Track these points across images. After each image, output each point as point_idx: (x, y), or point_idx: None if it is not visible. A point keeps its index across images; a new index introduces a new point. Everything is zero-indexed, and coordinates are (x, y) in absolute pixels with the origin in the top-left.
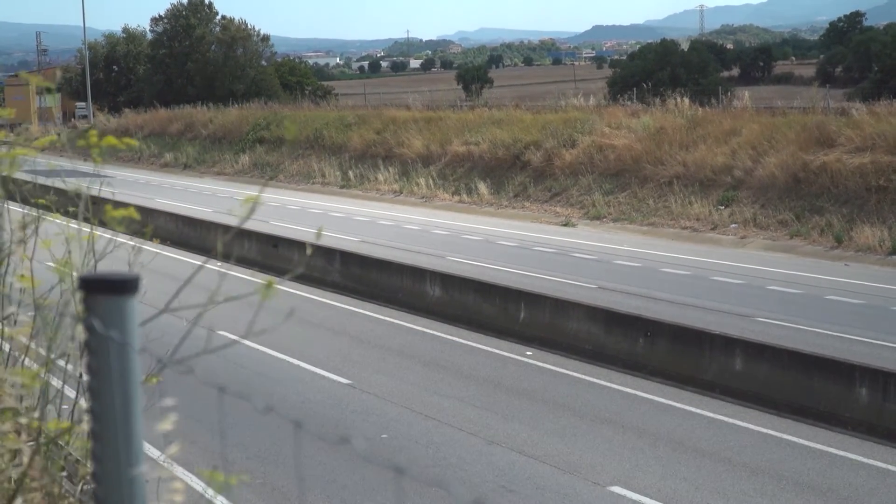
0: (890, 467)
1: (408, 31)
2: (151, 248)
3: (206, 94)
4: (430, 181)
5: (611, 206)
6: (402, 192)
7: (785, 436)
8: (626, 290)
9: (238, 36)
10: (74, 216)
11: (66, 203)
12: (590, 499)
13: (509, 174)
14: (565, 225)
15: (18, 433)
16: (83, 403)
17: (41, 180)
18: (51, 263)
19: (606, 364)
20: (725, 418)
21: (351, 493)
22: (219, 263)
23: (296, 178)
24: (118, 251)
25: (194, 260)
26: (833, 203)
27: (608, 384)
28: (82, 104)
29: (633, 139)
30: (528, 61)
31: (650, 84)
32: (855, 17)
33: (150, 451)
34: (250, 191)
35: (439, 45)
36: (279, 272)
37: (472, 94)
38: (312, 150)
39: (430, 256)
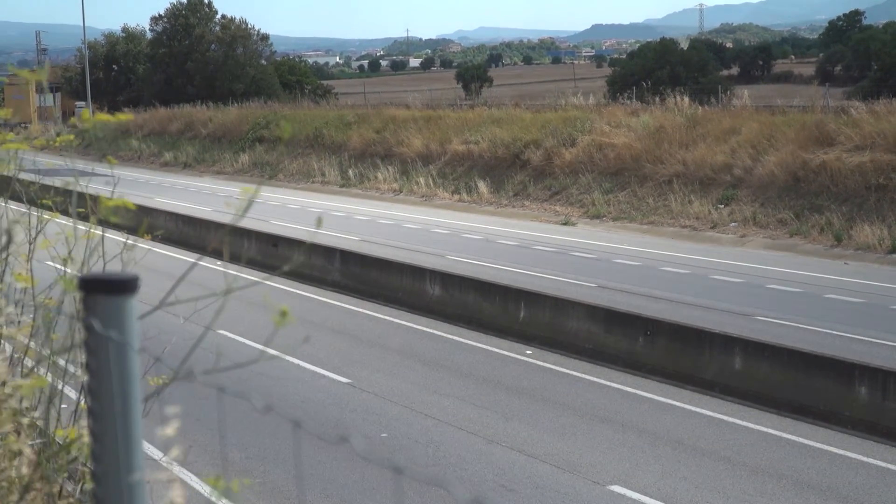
0: (890, 466)
1: (407, 30)
2: (146, 245)
3: (205, 93)
4: (430, 180)
5: (610, 204)
6: (401, 191)
7: (785, 434)
8: (625, 288)
9: (238, 35)
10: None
11: (67, 202)
12: (590, 498)
13: (509, 173)
14: (565, 224)
15: (18, 433)
16: (82, 404)
17: (43, 180)
18: (50, 262)
19: (606, 363)
20: (725, 417)
21: (350, 493)
22: (219, 263)
23: (295, 178)
24: (117, 250)
25: (193, 259)
26: (832, 202)
27: (608, 383)
28: (82, 103)
29: (632, 138)
30: (527, 60)
31: (650, 83)
32: (854, 16)
33: (150, 451)
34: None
35: (439, 44)
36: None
37: (471, 93)
38: (312, 150)
39: (429, 255)
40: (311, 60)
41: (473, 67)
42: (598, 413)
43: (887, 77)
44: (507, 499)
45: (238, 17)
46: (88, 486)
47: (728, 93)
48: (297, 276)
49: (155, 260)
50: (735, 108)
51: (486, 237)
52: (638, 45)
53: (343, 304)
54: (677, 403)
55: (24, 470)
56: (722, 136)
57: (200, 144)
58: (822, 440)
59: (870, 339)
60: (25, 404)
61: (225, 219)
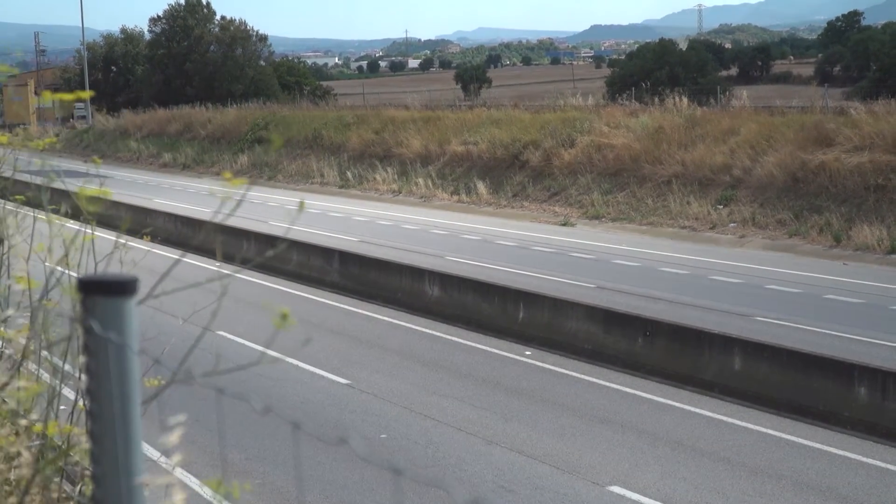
0: (889, 466)
1: (406, 31)
2: (145, 246)
3: (204, 94)
4: (429, 181)
5: (609, 205)
6: (400, 192)
7: (784, 435)
8: (624, 289)
9: (237, 36)
10: (65, 215)
11: (61, 202)
12: (589, 498)
13: (508, 174)
14: (564, 224)
15: (17, 434)
16: (81, 404)
17: (39, 181)
18: (48, 264)
19: (605, 363)
20: (724, 418)
21: (350, 493)
22: (218, 264)
23: (294, 178)
24: (113, 250)
25: (193, 260)
26: (832, 202)
27: (607, 384)
28: (81, 104)
29: (631, 139)
30: (526, 61)
31: (649, 83)
32: (853, 17)
33: (149, 451)
34: (250, 192)
35: (437, 45)
36: (277, 272)
37: (470, 94)
38: (311, 150)
39: (428, 256)
40: (309, 61)
41: (472, 68)
42: (598, 414)
43: (886, 77)
44: (506, 500)
45: (237, 19)
46: (87, 487)
47: (727, 93)
48: (296, 276)
49: (154, 261)
50: (734, 109)
51: (485, 238)
52: (637, 45)
53: (342, 305)
54: (677, 404)
55: (24, 472)
56: (721, 136)
57: (199, 145)
58: (821, 441)
59: (869, 340)
60: (25, 406)
61: (224, 220)
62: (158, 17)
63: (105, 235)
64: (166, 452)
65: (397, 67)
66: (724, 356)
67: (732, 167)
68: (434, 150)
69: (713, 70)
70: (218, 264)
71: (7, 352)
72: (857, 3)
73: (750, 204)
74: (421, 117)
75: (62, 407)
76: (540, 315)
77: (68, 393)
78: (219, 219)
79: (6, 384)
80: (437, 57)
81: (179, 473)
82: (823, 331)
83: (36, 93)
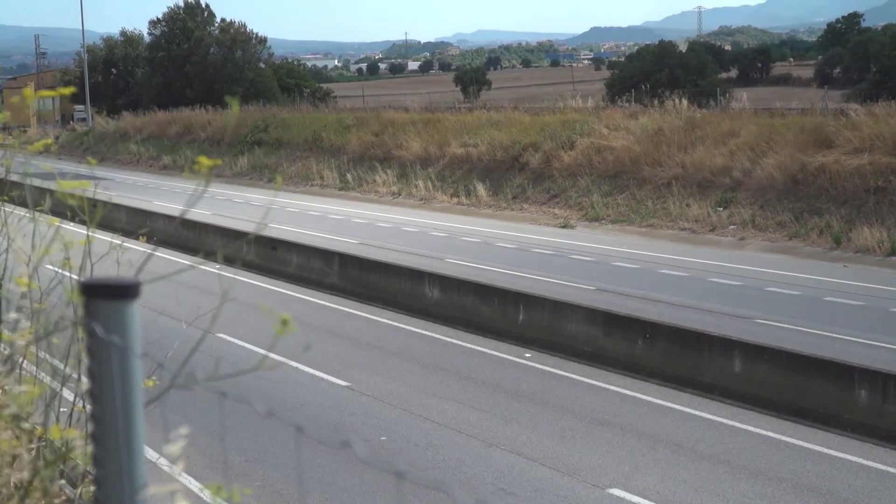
0: (890, 469)
1: (406, 34)
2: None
3: (204, 96)
4: (429, 183)
5: (609, 207)
6: (400, 194)
7: (784, 438)
8: (624, 291)
9: (237, 39)
10: (63, 216)
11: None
12: (589, 501)
13: (508, 176)
14: (564, 226)
15: (18, 438)
16: (80, 406)
17: (38, 184)
18: (50, 266)
19: (605, 366)
20: (725, 420)
21: (350, 496)
22: (217, 266)
23: (294, 181)
24: (116, 254)
25: (190, 262)
26: (832, 204)
27: (607, 386)
28: (81, 107)
29: (631, 141)
30: (526, 63)
31: (648, 85)
32: (853, 18)
33: (150, 453)
34: (249, 193)
35: (437, 47)
36: (277, 274)
37: (470, 96)
38: (311, 153)
39: (428, 258)
40: (309, 64)
41: (472, 70)
42: (598, 416)
43: (886, 79)
44: (506, 502)
45: (237, 21)
46: (87, 490)
47: (727, 95)
48: (296, 279)
49: (154, 263)
50: (734, 111)
51: (485, 240)
52: (636, 47)
53: (342, 308)
54: (677, 406)
55: (24, 475)
56: (721, 138)
57: (199, 148)
58: (821, 443)
59: (869, 342)
60: (27, 409)
61: (223, 222)
62: (158, 19)
63: (104, 237)
64: (170, 460)
65: (397, 70)
66: (724, 359)
67: (732, 169)
68: (434, 152)
69: (713, 72)
70: (218, 266)
71: (7, 353)
72: (857, 4)
73: (750, 206)
74: (421, 119)
75: (62, 409)
76: (540, 317)
77: (66, 394)
78: (229, 225)
79: (7, 387)
80: (436, 59)
81: (180, 476)
82: (823, 333)
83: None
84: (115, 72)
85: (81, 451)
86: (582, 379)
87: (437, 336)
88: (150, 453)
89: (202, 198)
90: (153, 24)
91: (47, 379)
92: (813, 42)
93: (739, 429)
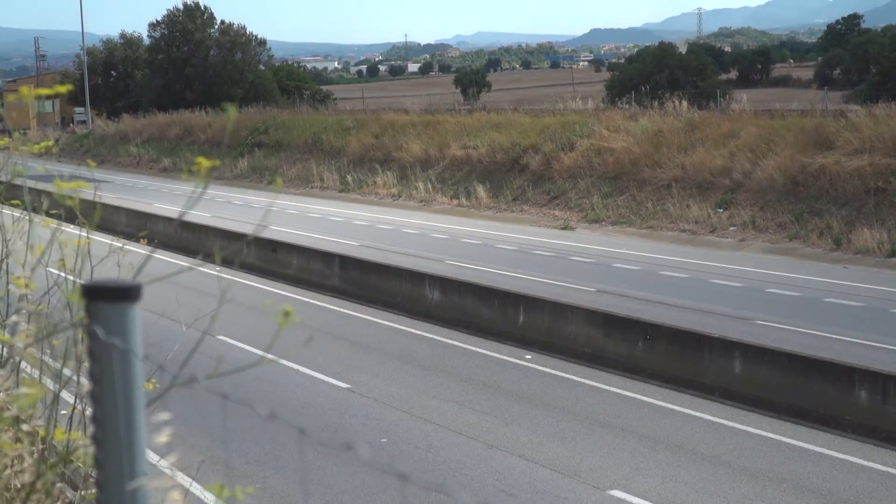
0: (890, 470)
1: (406, 35)
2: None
3: (204, 98)
4: (429, 185)
5: (609, 209)
6: (400, 196)
7: (785, 439)
8: (624, 293)
9: (237, 41)
10: (60, 219)
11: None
12: (590, 502)
13: (508, 178)
14: (564, 228)
15: (20, 440)
16: (80, 408)
17: (37, 185)
18: (52, 269)
19: (606, 367)
20: (725, 421)
21: (351, 498)
22: (217, 268)
23: (294, 183)
24: (116, 256)
25: (190, 264)
26: (832, 205)
27: (607, 387)
28: (81, 109)
29: (631, 142)
30: (526, 65)
31: (648, 87)
32: (853, 20)
33: (150, 455)
34: (249, 195)
35: (437, 49)
36: (277, 276)
37: (470, 98)
38: (311, 155)
39: (428, 260)
40: (309, 66)
41: (472, 72)
42: (598, 418)
43: (886, 80)
44: None
45: (237, 23)
46: (89, 492)
47: (727, 97)
48: (296, 280)
49: (154, 265)
50: (734, 112)
51: (485, 242)
52: (636, 49)
53: (342, 310)
54: (677, 408)
55: (27, 477)
56: (721, 140)
57: (199, 150)
58: (822, 444)
59: (869, 343)
60: (29, 411)
61: (223, 224)
62: (158, 22)
63: (104, 240)
64: (158, 451)
65: (397, 72)
66: (724, 360)
67: (732, 171)
68: (434, 154)
69: (713, 74)
70: (218, 268)
71: (7, 355)
72: (857, 6)
73: (750, 207)
74: (421, 121)
75: (62, 412)
76: (540, 319)
77: (66, 396)
78: (229, 227)
79: (8, 389)
80: (436, 61)
81: (180, 478)
82: (824, 334)
83: (36, 98)
84: (114, 74)
85: (83, 454)
86: (582, 380)
87: (438, 338)
88: (151, 456)
89: (202, 199)
90: (152, 26)
91: (47, 381)
92: (813, 43)
93: (740, 430)
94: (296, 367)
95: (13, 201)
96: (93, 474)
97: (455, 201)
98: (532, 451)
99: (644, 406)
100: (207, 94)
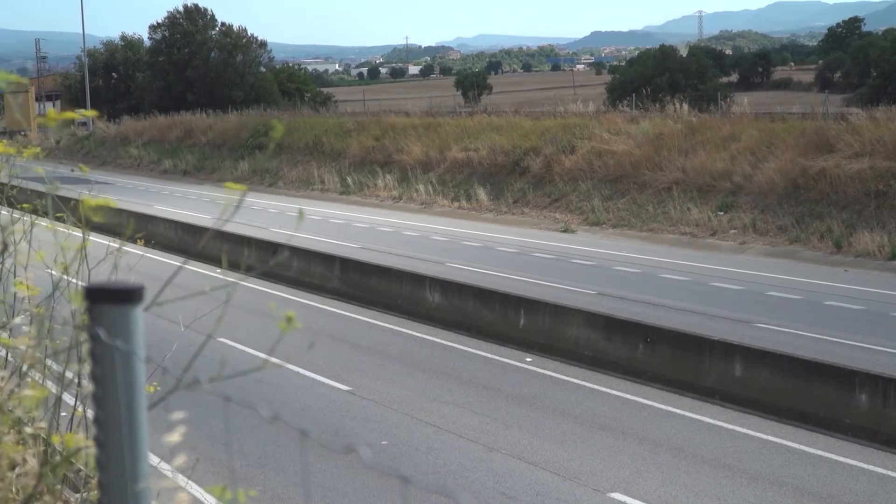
0: (890, 473)
1: (406, 38)
2: (143, 252)
3: (205, 101)
4: (430, 187)
5: (610, 211)
6: (401, 199)
7: (785, 442)
8: (625, 296)
9: (238, 43)
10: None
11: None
12: None
13: (508, 180)
14: (565, 231)
15: (22, 443)
16: (80, 409)
17: (38, 188)
18: (50, 270)
19: (606, 370)
20: (725, 424)
21: (351, 501)
22: (219, 270)
23: (295, 185)
24: (114, 257)
25: (193, 267)
26: (832, 208)
27: (608, 390)
28: (82, 111)
29: (632, 145)
30: (526, 67)
31: (649, 90)
32: (853, 23)
33: (152, 458)
34: (249, 197)
35: (438, 52)
36: (278, 279)
37: (470, 101)
38: (312, 157)
39: (429, 263)
40: (310, 68)
41: (473, 75)
42: (599, 420)
43: (886, 84)
44: None
45: (238, 26)
46: (91, 495)
47: (727, 100)
48: (297, 283)
49: (155, 268)
50: (734, 115)
51: (486, 244)
52: (637, 52)
53: (343, 312)
54: (677, 411)
55: (30, 479)
56: (721, 143)
57: (200, 152)
58: (822, 447)
59: (870, 347)
60: (33, 414)
61: (225, 226)
62: (159, 23)
63: (104, 242)
64: (164, 448)
65: (398, 74)
66: (724, 363)
67: (733, 173)
68: (435, 156)
69: (714, 76)
70: (219, 271)
71: (10, 358)
72: (858, 9)
73: (750, 210)
74: (421, 124)
75: (63, 414)
76: (541, 322)
77: (68, 398)
78: (219, 225)
79: (11, 391)
80: (437, 63)
81: (182, 480)
82: (824, 337)
83: (37, 99)
84: (115, 76)
85: (85, 456)
86: (583, 383)
87: (438, 340)
88: (153, 458)
89: (202, 201)
90: (153, 28)
91: (49, 383)
92: (814, 46)
93: (740, 433)
94: (296, 369)
95: (23, 205)
96: (95, 476)
97: (456, 204)
98: (532, 454)
99: (644, 409)
100: (208, 96)
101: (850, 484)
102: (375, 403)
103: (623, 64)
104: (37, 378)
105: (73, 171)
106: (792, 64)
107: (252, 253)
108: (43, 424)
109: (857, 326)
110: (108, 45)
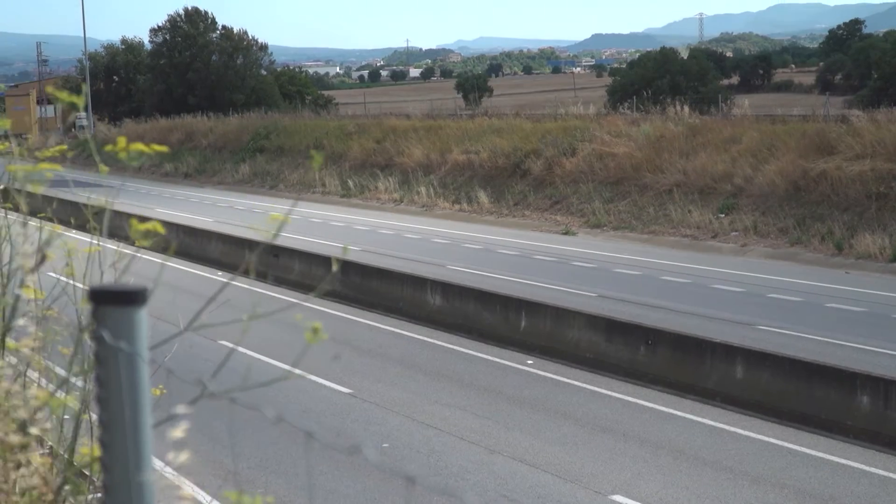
0: (892, 475)
1: (407, 40)
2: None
3: (206, 103)
4: (431, 190)
5: (611, 214)
6: (402, 201)
7: (787, 444)
8: (626, 298)
9: (239, 46)
10: (80, 228)
11: (68, 212)
12: None
13: (509, 183)
14: (565, 233)
15: (27, 445)
16: (86, 412)
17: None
18: (52, 274)
19: (607, 372)
20: (727, 427)
21: (354, 503)
22: (219, 273)
23: (296, 188)
24: (122, 262)
25: (194, 269)
26: (833, 210)
27: (609, 393)
28: (82, 114)
29: (632, 147)
30: (527, 70)
31: (650, 92)
32: (854, 25)
33: (155, 461)
34: (250, 200)
35: (438, 54)
36: (279, 281)
37: (471, 103)
38: (312, 159)
39: (430, 265)
40: (311, 71)
41: (473, 77)
42: (600, 423)
43: (887, 86)
44: None
45: (238, 28)
46: (95, 496)
47: (728, 102)
48: (298, 286)
49: (155, 269)
50: (735, 118)
51: (487, 247)
52: (638, 54)
53: (343, 314)
54: (679, 413)
55: (34, 480)
56: (722, 145)
57: (201, 155)
58: (824, 450)
59: (872, 349)
60: (37, 414)
61: (226, 229)
62: (160, 26)
63: (110, 247)
64: (167, 450)
65: (398, 76)
66: (726, 365)
67: (734, 176)
68: (435, 159)
69: (714, 79)
70: (220, 274)
71: (13, 361)
72: (859, 11)
73: (751, 212)
74: (422, 126)
75: (65, 416)
76: (541, 324)
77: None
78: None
79: (16, 393)
80: (438, 66)
81: (184, 482)
82: (826, 339)
83: (38, 102)
84: (116, 79)
85: (89, 457)
86: (584, 385)
87: (439, 343)
88: (156, 462)
89: (203, 204)
90: (154, 31)
91: (52, 386)
92: (814, 48)
93: (741, 435)
94: (297, 371)
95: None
96: (99, 478)
97: (456, 206)
98: (534, 456)
99: (646, 411)
100: (209, 98)
101: (851, 486)
102: (376, 406)
103: (624, 66)
104: (39, 380)
105: (83, 170)
106: (793, 66)
107: (252, 255)
108: (47, 426)
109: (858, 328)
110: (109, 48)
